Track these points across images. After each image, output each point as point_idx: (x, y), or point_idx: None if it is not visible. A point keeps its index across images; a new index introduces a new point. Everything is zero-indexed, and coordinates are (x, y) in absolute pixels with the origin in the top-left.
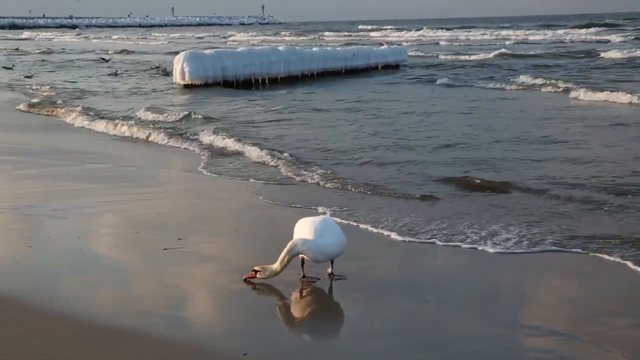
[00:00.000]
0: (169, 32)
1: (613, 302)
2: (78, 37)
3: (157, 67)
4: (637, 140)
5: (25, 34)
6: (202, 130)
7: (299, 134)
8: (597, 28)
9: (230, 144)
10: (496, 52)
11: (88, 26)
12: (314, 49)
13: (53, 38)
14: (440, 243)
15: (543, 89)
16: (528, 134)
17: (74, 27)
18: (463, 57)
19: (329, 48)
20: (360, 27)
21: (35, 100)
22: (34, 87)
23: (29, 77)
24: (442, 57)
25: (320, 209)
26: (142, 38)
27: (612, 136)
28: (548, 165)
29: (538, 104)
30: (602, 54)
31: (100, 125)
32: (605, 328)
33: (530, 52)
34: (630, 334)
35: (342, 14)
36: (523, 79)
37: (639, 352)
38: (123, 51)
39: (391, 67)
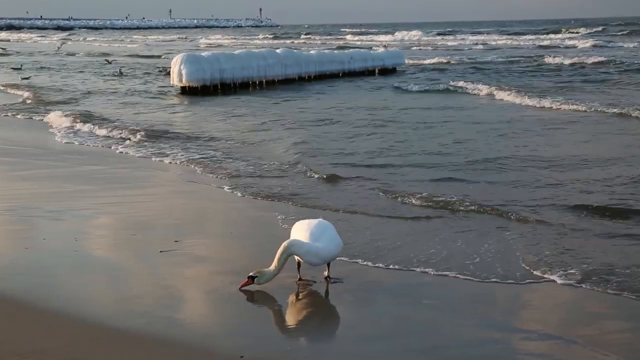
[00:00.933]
0: (146, 35)
1: (607, 306)
2: (54, 39)
3: (160, 70)
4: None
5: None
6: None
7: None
8: (572, 33)
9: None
10: (445, 58)
11: (84, 27)
12: (312, 51)
13: (28, 39)
14: (396, 267)
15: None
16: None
17: (71, 28)
18: (427, 61)
19: (326, 51)
20: (342, 29)
21: (30, 101)
22: (32, 89)
23: (27, 78)
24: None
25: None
26: (120, 40)
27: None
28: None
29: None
30: (547, 60)
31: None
32: (600, 331)
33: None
34: (626, 337)
35: (342, 16)
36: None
37: (634, 355)
38: (89, 54)
39: (388, 71)
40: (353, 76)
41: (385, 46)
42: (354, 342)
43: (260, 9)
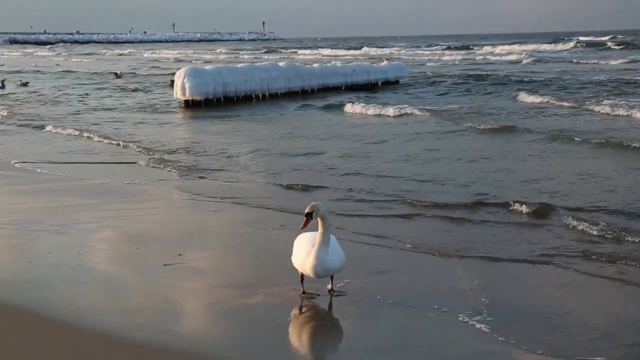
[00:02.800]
0: (113, 49)
1: (611, 320)
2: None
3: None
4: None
5: None
6: None
7: None
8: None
9: None
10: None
11: (88, 42)
12: (314, 65)
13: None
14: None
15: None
16: None
17: (76, 42)
18: None
19: (329, 64)
20: (322, 44)
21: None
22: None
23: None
24: None
25: None
26: (81, 54)
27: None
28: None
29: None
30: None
31: None
32: (605, 346)
33: None
34: (635, 353)
35: (343, 30)
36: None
37: None
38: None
39: (391, 83)
40: (356, 89)
41: (387, 59)
42: (358, 355)
43: (264, 23)
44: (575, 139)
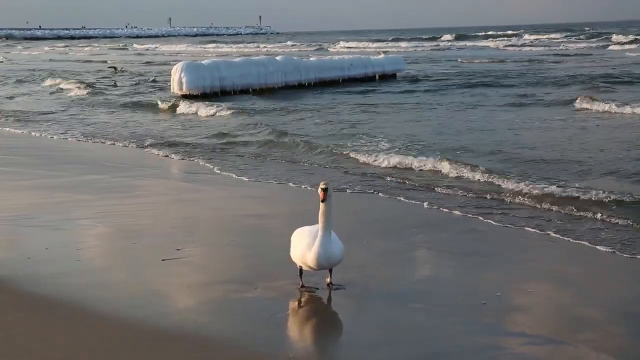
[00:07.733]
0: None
1: (607, 309)
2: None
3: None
4: None
5: None
6: None
7: None
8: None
9: None
10: None
11: (84, 37)
12: (312, 58)
13: None
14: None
15: None
16: None
17: (72, 38)
18: None
19: (326, 58)
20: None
21: None
22: None
23: None
24: None
25: None
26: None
27: None
28: None
29: None
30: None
31: None
32: (601, 336)
33: None
34: (627, 342)
35: (341, 24)
36: None
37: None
38: None
39: (388, 77)
40: (353, 83)
41: (384, 52)
42: (357, 349)
43: (260, 17)
44: None
